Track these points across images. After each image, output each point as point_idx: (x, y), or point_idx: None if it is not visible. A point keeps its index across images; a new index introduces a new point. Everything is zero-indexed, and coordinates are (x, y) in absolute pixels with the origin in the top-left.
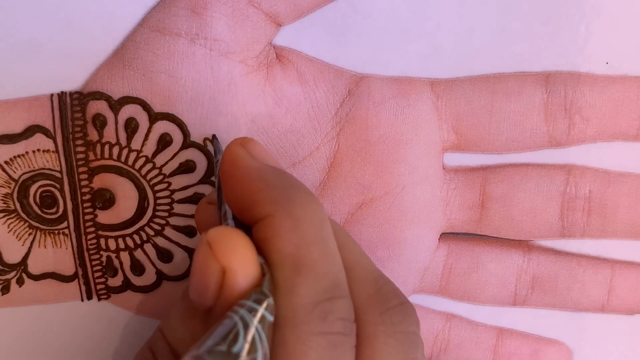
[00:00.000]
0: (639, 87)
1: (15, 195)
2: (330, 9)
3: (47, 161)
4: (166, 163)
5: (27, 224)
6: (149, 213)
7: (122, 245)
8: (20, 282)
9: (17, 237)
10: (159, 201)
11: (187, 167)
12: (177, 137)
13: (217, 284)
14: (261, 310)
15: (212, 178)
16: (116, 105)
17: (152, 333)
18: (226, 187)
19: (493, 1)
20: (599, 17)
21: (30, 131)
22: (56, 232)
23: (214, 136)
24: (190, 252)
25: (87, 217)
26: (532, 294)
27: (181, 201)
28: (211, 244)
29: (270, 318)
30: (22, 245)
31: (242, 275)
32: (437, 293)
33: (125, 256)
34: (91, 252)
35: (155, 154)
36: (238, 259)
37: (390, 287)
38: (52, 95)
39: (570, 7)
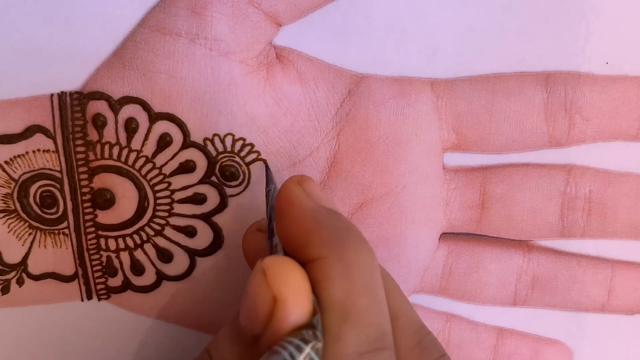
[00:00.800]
0: (639, 87)
1: (15, 195)
2: (330, 9)
3: (47, 161)
4: (166, 163)
5: (27, 224)
6: (149, 213)
7: (122, 245)
8: (20, 282)
9: (17, 237)
10: (159, 201)
11: (187, 167)
12: (177, 137)
13: (268, 313)
14: (308, 351)
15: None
16: (116, 105)
17: (200, 352)
18: (280, 224)
19: (493, 1)
20: (599, 17)
21: (31, 131)
22: (56, 232)
23: (266, 164)
24: (190, 252)
25: (87, 217)
26: (532, 294)
27: (181, 201)
28: (266, 271)
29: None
30: (22, 245)
31: (293, 307)
32: (437, 293)
33: (125, 256)
34: (91, 252)
35: (155, 154)
36: (291, 290)
37: (431, 338)
38: (52, 95)
39: (570, 7)
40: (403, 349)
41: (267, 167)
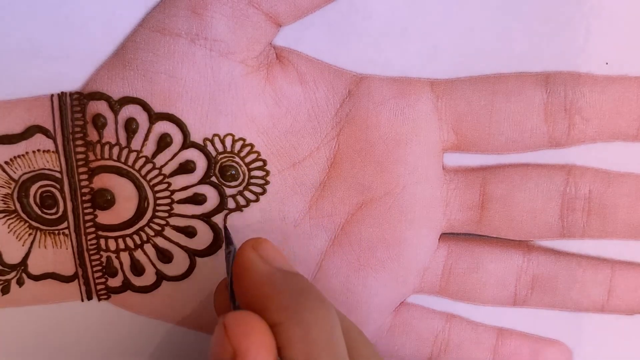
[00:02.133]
0: (639, 87)
1: (15, 195)
2: (330, 10)
3: (47, 161)
4: (166, 163)
5: (27, 224)
6: (149, 213)
7: (122, 246)
8: (20, 282)
9: (17, 237)
10: (158, 201)
11: (187, 168)
12: (177, 138)
13: None
14: None
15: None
16: (116, 105)
17: None
18: (238, 290)
19: (493, 1)
20: (599, 17)
21: (31, 131)
22: (56, 232)
23: (225, 226)
24: (190, 252)
25: (87, 217)
26: (532, 294)
27: (181, 201)
28: (226, 325)
29: None
30: (22, 245)
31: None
32: (437, 293)
33: (125, 256)
34: (91, 252)
35: (155, 154)
36: (251, 343)
37: None
38: (52, 95)
39: (570, 7)
40: None
41: (225, 227)
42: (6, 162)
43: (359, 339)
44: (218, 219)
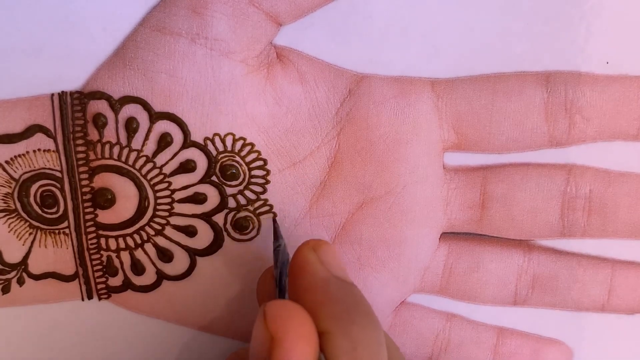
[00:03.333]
0: (639, 87)
1: (15, 194)
2: (330, 9)
3: (48, 161)
4: (167, 163)
5: (27, 223)
6: (150, 213)
7: (122, 245)
8: (20, 281)
9: (17, 236)
10: (159, 201)
11: (187, 167)
12: (178, 137)
13: (266, 353)
14: None
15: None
16: (117, 104)
17: None
18: (292, 290)
19: (493, 1)
20: (599, 17)
21: (31, 131)
22: (57, 231)
23: (274, 219)
24: (190, 251)
25: (88, 216)
26: (533, 294)
27: (182, 201)
28: (266, 312)
29: None
30: (23, 244)
31: (289, 347)
32: (437, 293)
33: (125, 256)
34: (91, 251)
35: (155, 154)
36: (288, 330)
37: None
38: (52, 94)
39: (570, 7)
40: None
41: (274, 221)
42: (7, 162)
43: (397, 356)
44: (218, 218)
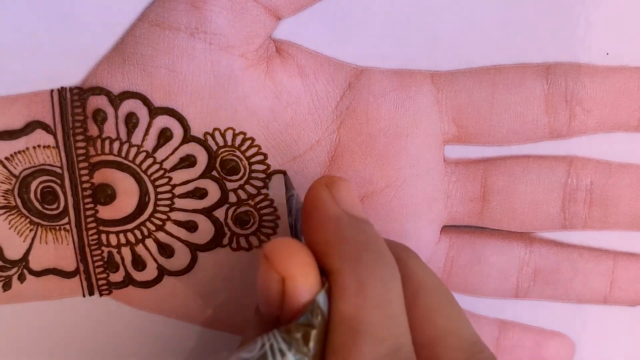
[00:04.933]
0: None
1: (16, 191)
2: (330, 2)
3: (48, 157)
4: (167, 158)
5: (28, 220)
6: (150, 208)
7: (123, 241)
8: (21, 278)
9: (18, 233)
10: (159, 196)
11: (187, 162)
12: (178, 132)
13: (280, 294)
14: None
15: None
16: (116, 100)
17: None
18: (304, 227)
19: None
20: (599, 8)
21: (31, 127)
22: (57, 227)
23: (284, 173)
24: (191, 247)
25: (88, 212)
26: (534, 286)
27: (182, 196)
28: (268, 256)
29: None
30: (24, 241)
31: (301, 281)
32: None
33: (126, 251)
34: (92, 247)
35: (155, 149)
36: (295, 266)
37: (484, 356)
38: (52, 90)
39: None
40: None
41: (285, 174)
42: (6, 158)
43: (444, 300)
44: (219, 213)
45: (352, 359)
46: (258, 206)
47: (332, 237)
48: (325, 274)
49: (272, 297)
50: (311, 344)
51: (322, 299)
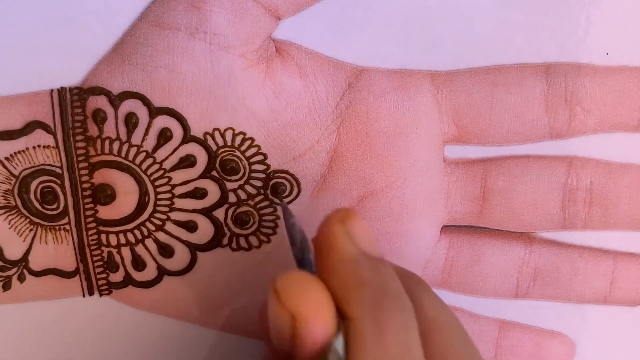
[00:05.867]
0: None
1: (16, 191)
2: (329, 2)
3: (48, 157)
4: (166, 158)
5: (28, 220)
6: (150, 208)
7: (123, 241)
8: (21, 278)
9: (18, 233)
10: (159, 196)
11: (187, 162)
12: (178, 132)
13: (291, 331)
14: None
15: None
16: (116, 100)
17: None
18: (320, 268)
19: None
20: (599, 8)
21: (31, 127)
22: (57, 228)
23: (281, 201)
24: (191, 247)
25: (88, 212)
26: (534, 286)
27: (182, 196)
28: (278, 291)
29: None
30: (23, 241)
31: (313, 322)
32: (438, 286)
33: (126, 251)
34: (92, 247)
35: (155, 149)
36: (308, 305)
37: None
38: (52, 90)
39: None
40: None
41: (282, 202)
42: (6, 158)
43: (461, 341)
44: (219, 213)
45: None
46: (258, 206)
47: (349, 280)
48: (342, 318)
49: (283, 334)
50: None
51: (340, 345)
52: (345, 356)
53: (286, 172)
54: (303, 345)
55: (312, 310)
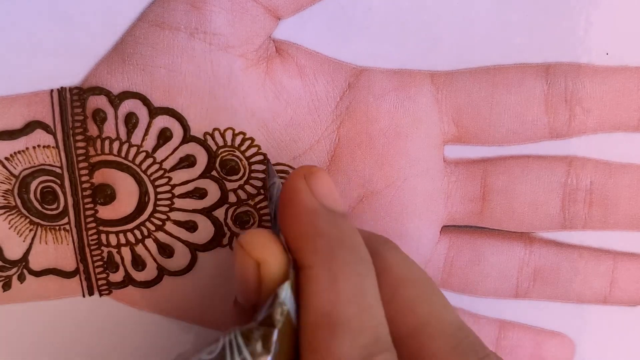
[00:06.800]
0: (639, 78)
1: (15, 191)
2: (329, 2)
3: (48, 157)
4: (166, 158)
5: (28, 220)
6: (150, 208)
7: (123, 241)
8: (21, 278)
9: (18, 233)
10: (159, 196)
11: (187, 162)
12: (177, 132)
13: (256, 279)
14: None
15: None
16: (116, 100)
17: None
18: (281, 219)
19: None
20: (599, 8)
21: (31, 127)
22: (57, 228)
23: (266, 158)
24: (191, 247)
25: (88, 212)
26: (534, 286)
27: (182, 196)
28: (243, 245)
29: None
30: (23, 241)
31: (275, 266)
32: (438, 286)
33: (126, 251)
34: (92, 247)
35: (155, 149)
36: (270, 252)
37: (470, 340)
38: (52, 90)
39: None
40: (438, 355)
41: (267, 160)
42: (6, 158)
43: (427, 290)
44: (219, 213)
45: (331, 354)
46: (258, 206)
47: (307, 231)
48: (298, 268)
49: (249, 282)
50: (272, 345)
51: (286, 293)
52: (299, 300)
53: (286, 172)
54: (268, 288)
55: (274, 256)
